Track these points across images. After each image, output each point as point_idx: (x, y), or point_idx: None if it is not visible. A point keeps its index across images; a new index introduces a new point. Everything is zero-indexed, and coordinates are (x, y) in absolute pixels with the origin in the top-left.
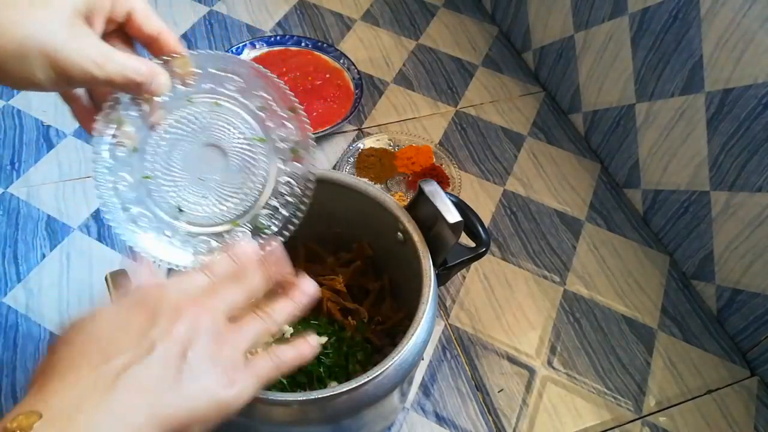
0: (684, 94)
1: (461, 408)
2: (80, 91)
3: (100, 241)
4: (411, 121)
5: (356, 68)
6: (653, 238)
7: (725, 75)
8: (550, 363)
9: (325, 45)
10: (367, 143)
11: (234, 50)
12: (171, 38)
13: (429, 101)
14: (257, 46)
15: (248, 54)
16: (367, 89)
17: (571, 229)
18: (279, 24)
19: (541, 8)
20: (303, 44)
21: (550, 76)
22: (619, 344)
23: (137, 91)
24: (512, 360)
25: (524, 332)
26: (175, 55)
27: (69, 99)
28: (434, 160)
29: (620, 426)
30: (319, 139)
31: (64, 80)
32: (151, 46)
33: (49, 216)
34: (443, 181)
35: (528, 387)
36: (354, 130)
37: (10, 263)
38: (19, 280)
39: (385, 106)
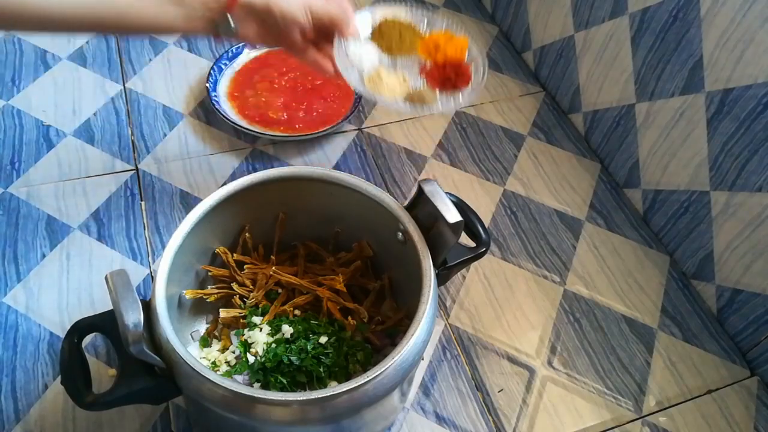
0: (684, 94)
1: (461, 408)
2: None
3: (100, 241)
4: (411, 121)
5: None
6: (653, 238)
7: (725, 75)
8: (550, 363)
9: None
10: (393, 14)
11: (233, 50)
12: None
13: None
14: (257, 46)
15: (248, 54)
16: None
17: (571, 229)
18: None
19: (541, 8)
20: None
21: (550, 76)
22: (619, 344)
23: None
24: (512, 360)
25: (524, 332)
26: None
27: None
28: (466, 60)
29: (620, 426)
30: (319, 139)
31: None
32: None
33: (49, 216)
34: (464, 83)
35: (528, 387)
36: (354, 130)
37: (10, 263)
38: (19, 280)
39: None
